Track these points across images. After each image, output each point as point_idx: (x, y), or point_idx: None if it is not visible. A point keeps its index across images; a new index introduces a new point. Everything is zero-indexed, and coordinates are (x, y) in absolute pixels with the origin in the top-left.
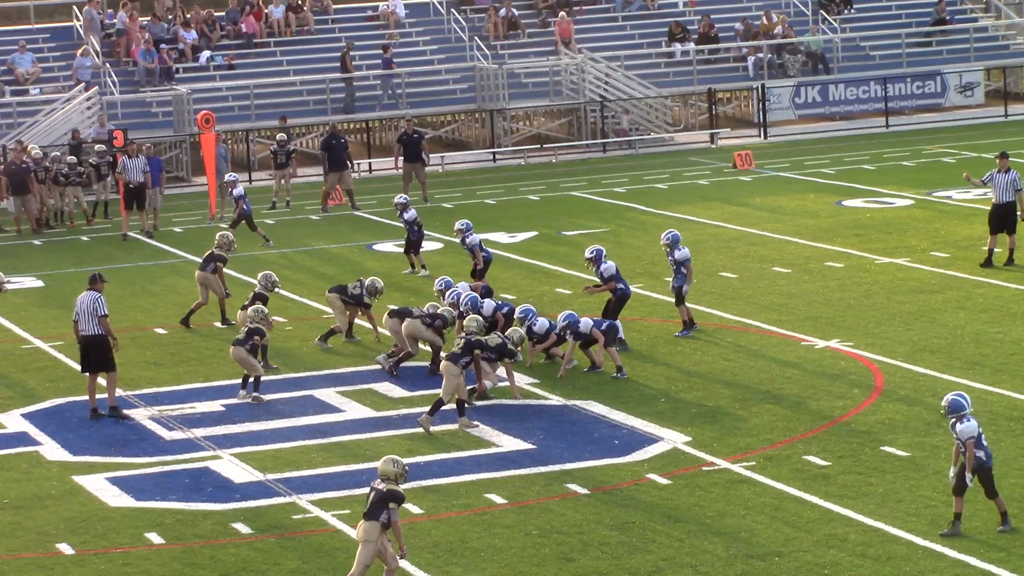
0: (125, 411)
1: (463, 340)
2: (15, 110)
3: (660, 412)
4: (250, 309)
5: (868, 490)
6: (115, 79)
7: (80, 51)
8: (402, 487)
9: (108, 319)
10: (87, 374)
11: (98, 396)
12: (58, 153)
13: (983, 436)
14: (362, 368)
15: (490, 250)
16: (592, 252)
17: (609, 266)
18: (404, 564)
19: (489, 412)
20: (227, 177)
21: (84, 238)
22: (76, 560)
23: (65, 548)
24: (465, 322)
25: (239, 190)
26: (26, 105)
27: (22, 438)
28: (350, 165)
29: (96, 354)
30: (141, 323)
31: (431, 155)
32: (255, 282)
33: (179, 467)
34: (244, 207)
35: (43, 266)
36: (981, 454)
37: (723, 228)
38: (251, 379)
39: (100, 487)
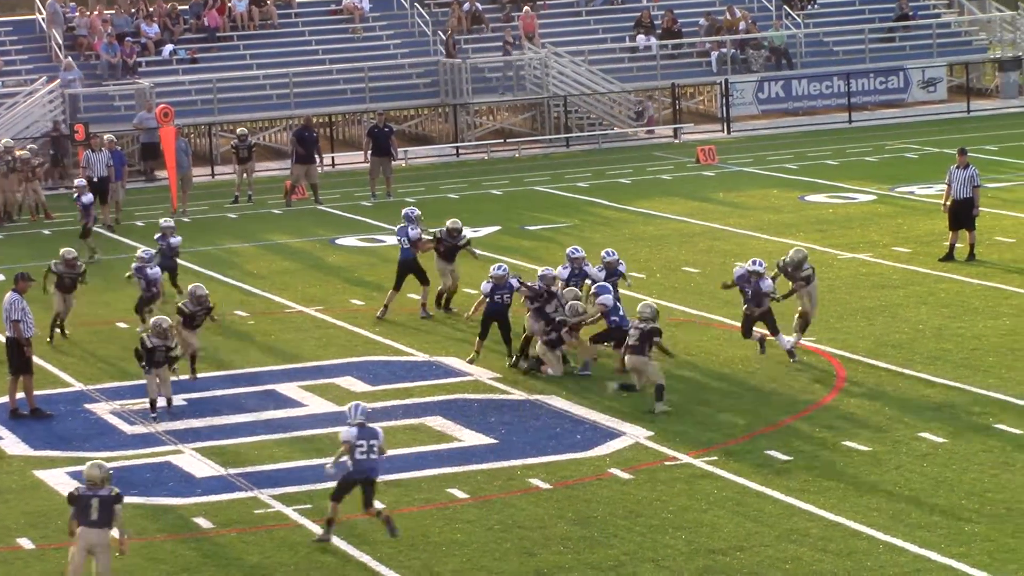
0: (87, 405)
1: (638, 331)
2: None
3: (623, 407)
4: (152, 320)
5: (829, 485)
6: (78, 73)
7: (64, 66)
8: None
9: (20, 324)
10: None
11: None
12: (34, 146)
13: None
14: (324, 362)
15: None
16: (595, 288)
17: (606, 298)
18: (365, 559)
19: (450, 407)
20: (76, 182)
21: (46, 232)
22: (36, 555)
23: (25, 543)
24: (601, 300)
25: (88, 197)
26: None
27: None
28: (318, 159)
29: (13, 356)
30: (103, 317)
31: None
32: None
33: (140, 461)
34: (90, 217)
35: (3, 259)
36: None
37: (686, 223)
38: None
39: (61, 481)
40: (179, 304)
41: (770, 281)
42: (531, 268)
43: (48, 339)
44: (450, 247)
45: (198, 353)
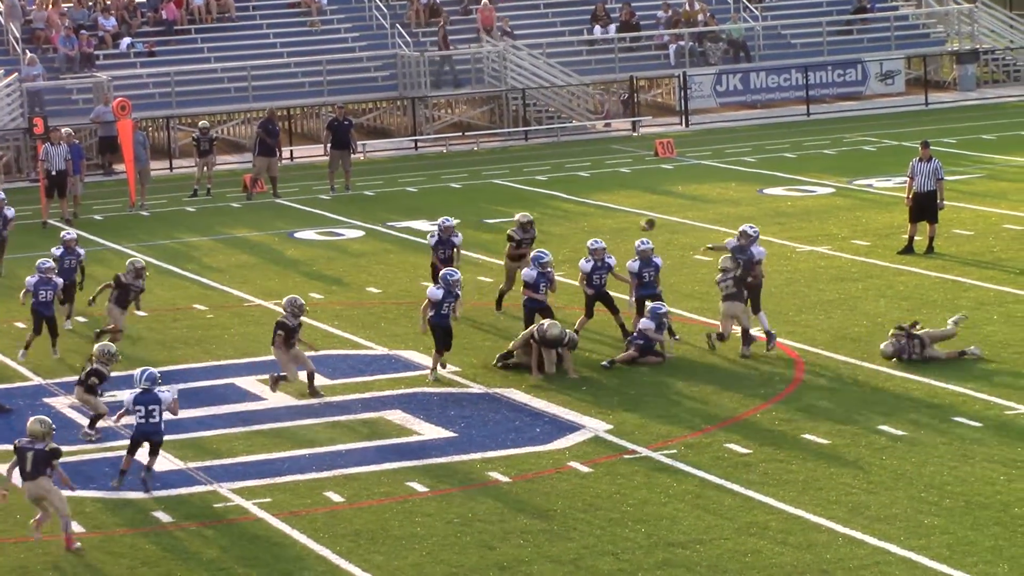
0: (45, 399)
1: (729, 278)
2: None
3: (582, 400)
4: (96, 347)
5: (789, 478)
6: (41, 69)
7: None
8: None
9: None
10: None
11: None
12: None
13: None
14: None
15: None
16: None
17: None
18: (325, 552)
19: (410, 401)
20: None
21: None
22: None
23: None
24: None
25: (10, 212)
26: None
27: None
28: (279, 152)
29: None
30: (59, 310)
31: None
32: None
33: (99, 455)
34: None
35: None
36: None
37: (645, 216)
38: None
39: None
40: (117, 274)
41: (762, 249)
42: (489, 262)
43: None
44: (527, 243)
45: (120, 337)
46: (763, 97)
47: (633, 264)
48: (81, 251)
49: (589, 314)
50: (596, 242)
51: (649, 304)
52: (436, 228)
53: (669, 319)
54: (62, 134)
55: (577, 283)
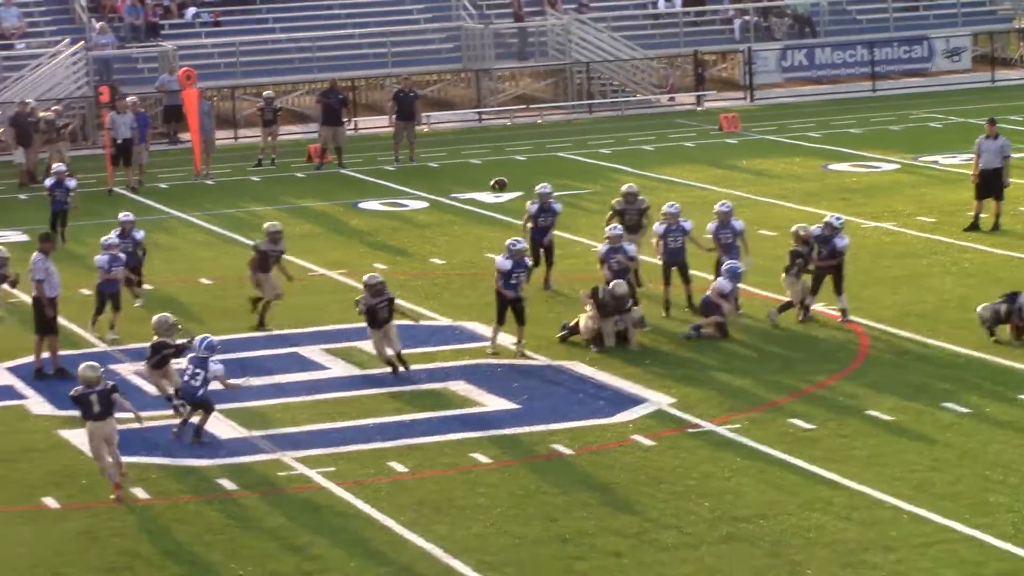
0: (112, 366)
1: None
2: (1, 64)
3: (645, 373)
4: (153, 319)
5: (853, 454)
6: (111, 38)
7: (99, 30)
8: None
9: (43, 284)
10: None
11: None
12: (59, 107)
13: None
14: (347, 326)
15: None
16: (616, 229)
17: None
18: (389, 522)
19: (474, 372)
20: (55, 167)
21: None
22: (61, 514)
23: (50, 502)
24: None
25: (72, 182)
26: (12, 60)
27: (7, 392)
28: (345, 122)
29: (37, 317)
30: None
31: None
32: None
33: (164, 423)
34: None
35: (29, 220)
36: None
37: (709, 191)
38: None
39: (85, 441)
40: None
41: (846, 239)
42: (556, 234)
43: (259, 326)
44: (633, 216)
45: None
46: (828, 73)
47: (712, 226)
48: (139, 234)
49: (667, 282)
50: (671, 205)
51: (726, 263)
52: (536, 196)
53: (738, 287)
54: (128, 102)
55: (654, 257)
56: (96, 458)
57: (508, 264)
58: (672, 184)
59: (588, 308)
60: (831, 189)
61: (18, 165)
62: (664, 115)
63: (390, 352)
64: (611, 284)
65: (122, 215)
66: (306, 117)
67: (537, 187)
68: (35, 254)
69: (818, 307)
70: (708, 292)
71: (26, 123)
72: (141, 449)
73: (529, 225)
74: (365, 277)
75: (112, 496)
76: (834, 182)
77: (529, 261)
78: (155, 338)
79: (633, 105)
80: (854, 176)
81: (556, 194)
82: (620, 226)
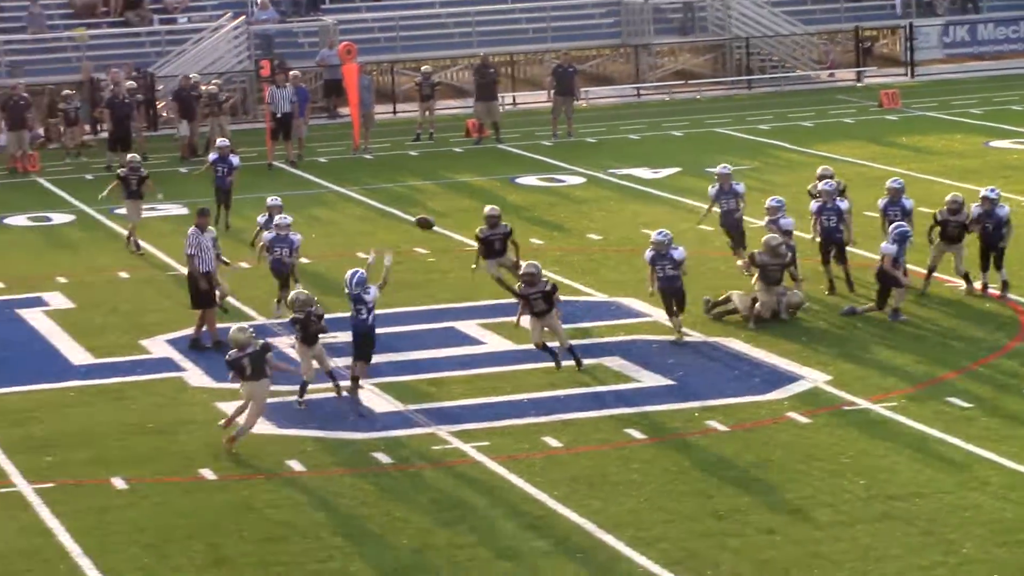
0: (269, 339)
1: None
2: (164, 39)
3: (801, 350)
4: (291, 294)
5: (1011, 433)
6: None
7: (260, 5)
8: None
9: (194, 259)
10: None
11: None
12: (220, 81)
13: None
14: (503, 301)
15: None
16: (774, 201)
17: (789, 221)
18: (543, 497)
19: (629, 348)
20: (219, 141)
21: None
22: (218, 486)
23: (207, 473)
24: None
25: (236, 159)
26: (174, 34)
27: (167, 364)
28: (498, 97)
29: (191, 290)
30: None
31: None
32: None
33: (321, 396)
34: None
35: (189, 194)
36: None
37: (868, 167)
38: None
39: (238, 402)
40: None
41: (1006, 207)
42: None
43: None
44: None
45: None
46: (991, 49)
47: (882, 202)
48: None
49: (825, 261)
50: (828, 183)
51: (895, 227)
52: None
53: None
54: (288, 76)
55: (808, 235)
56: (244, 413)
57: (649, 255)
58: (831, 161)
59: (753, 279)
60: (992, 166)
61: (180, 138)
62: (824, 91)
63: (554, 343)
64: (764, 239)
65: (270, 199)
66: (464, 92)
67: (717, 168)
68: (191, 228)
69: (977, 285)
70: (880, 262)
71: (189, 97)
72: (296, 422)
73: (715, 209)
74: (522, 265)
75: (225, 440)
76: (996, 159)
77: (675, 252)
78: (292, 315)
79: (792, 81)
80: (1015, 153)
81: (710, 170)
82: (833, 181)
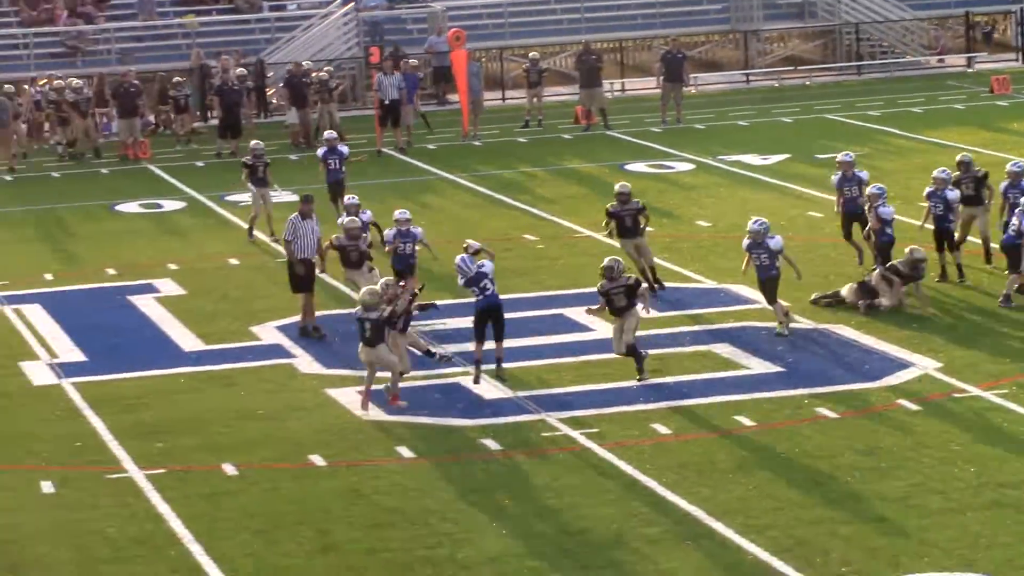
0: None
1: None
2: (273, 25)
3: (912, 337)
4: (380, 282)
5: None
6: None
7: None
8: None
9: (290, 244)
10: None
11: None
12: (330, 68)
13: None
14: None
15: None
16: (875, 188)
17: (888, 210)
18: (652, 484)
19: (739, 335)
20: (325, 134)
21: None
22: (327, 472)
23: (317, 459)
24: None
25: (344, 148)
26: (284, 20)
27: (277, 350)
28: (602, 83)
29: (290, 276)
30: None
31: None
32: None
33: (430, 382)
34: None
35: (298, 181)
36: None
37: (978, 153)
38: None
39: (352, 400)
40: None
41: None
42: (819, 197)
43: None
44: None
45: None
46: None
47: (1004, 185)
48: (366, 215)
49: (939, 248)
50: (943, 171)
51: (1020, 210)
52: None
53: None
54: (404, 64)
55: (918, 222)
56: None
57: (746, 243)
58: (941, 147)
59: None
60: None
61: (291, 126)
62: (934, 77)
63: (622, 346)
64: (907, 250)
65: (347, 198)
66: (572, 78)
67: (839, 155)
68: (292, 215)
69: None
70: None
71: (300, 84)
72: (407, 408)
73: (841, 199)
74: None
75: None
76: None
77: (772, 242)
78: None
79: (902, 67)
80: None
81: (820, 156)
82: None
